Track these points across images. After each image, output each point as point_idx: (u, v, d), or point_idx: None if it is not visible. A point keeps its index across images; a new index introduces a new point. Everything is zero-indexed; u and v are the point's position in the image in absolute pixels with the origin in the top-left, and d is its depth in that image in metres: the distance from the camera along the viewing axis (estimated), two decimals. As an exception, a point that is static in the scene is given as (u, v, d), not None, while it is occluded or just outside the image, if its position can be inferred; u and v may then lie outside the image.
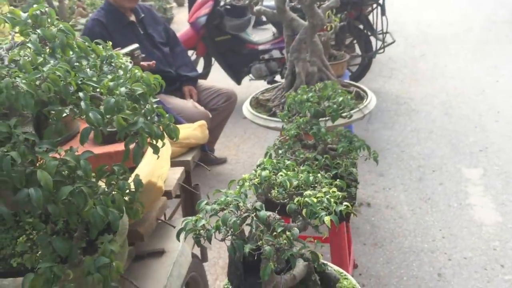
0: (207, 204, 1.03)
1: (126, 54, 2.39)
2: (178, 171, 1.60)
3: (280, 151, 1.72)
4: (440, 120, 3.62)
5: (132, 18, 2.93)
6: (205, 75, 4.42)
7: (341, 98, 1.76)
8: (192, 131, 1.74)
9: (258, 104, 2.63)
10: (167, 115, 1.06)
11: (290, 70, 2.55)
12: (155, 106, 1.03)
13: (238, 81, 4.31)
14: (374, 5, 4.12)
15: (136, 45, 2.40)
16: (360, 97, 2.59)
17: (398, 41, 5.31)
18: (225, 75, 4.33)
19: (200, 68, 4.41)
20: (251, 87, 4.58)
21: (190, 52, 4.37)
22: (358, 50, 4.26)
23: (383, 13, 4.07)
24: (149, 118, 0.97)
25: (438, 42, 5.56)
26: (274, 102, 2.54)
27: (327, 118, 1.79)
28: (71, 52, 0.97)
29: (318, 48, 2.60)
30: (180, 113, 2.70)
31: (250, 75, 4.22)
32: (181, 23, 7.56)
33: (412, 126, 3.57)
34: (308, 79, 2.53)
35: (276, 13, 2.61)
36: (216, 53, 4.20)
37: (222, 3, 4.03)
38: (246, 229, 0.96)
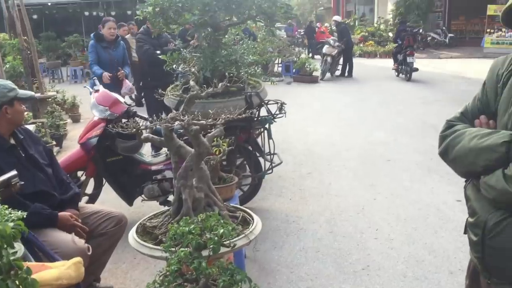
0: None
1: (2, 183, 2.29)
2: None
3: (160, 288, 1.68)
4: (326, 239, 3.80)
5: (12, 141, 2.85)
6: (95, 196, 4.29)
7: (222, 230, 1.81)
8: (65, 270, 1.65)
9: (144, 231, 2.58)
10: (29, 263, 1.01)
11: (177, 196, 2.57)
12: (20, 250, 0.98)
13: (130, 202, 4.23)
14: (261, 129, 4.43)
15: (13, 173, 2.31)
16: (246, 221, 2.65)
17: (287, 160, 5.66)
18: (116, 195, 4.24)
19: (90, 189, 4.29)
20: (144, 207, 4.50)
21: (79, 173, 4.28)
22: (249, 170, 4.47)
23: (269, 136, 4.37)
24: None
25: (323, 160, 6.00)
26: (161, 230, 2.52)
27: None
28: None
29: (205, 174, 2.68)
30: (55, 249, 2.52)
31: (143, 195, 4.18)
32: (75, 139, 7.40)
33: (300, 245, 3.70)
34: (195, 205, 2.56)
35: (163, 140, 2.69)
36: (107, 174, 4.14)
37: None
38: None
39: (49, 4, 22.06)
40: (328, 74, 14.09)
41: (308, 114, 8.96)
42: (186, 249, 1.80)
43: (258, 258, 3.54)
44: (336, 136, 7.26)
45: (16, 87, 2.78)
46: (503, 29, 18.82)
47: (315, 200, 4.68)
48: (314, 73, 13.90)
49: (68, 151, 6.88)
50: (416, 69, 12.85)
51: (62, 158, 4.04)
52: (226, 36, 4.57)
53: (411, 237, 3.81)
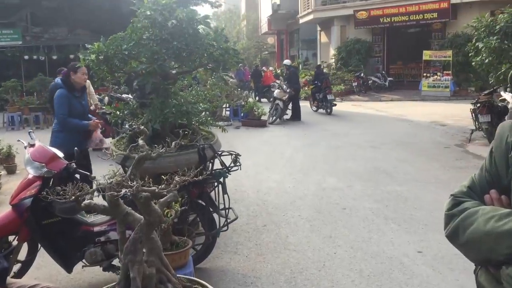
0: None
1: None
2: None
3: None
4: (288, 302, 3.52)
5: None
6: (28, 263, 3.82)
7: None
8: None
9: (85, 316, 2.22)
10: None
11: (124, 274, 2.24)
12: None
13: (69, 269, 3.76)
14: (216, 183, 4.16)
15: None
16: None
17: (241, 211, 5.39)
18: (53, 261, 3.78)
19: (22, 255, 3.81)
20: (85, 273, 4.06)
21: (10, 238, 3.80)
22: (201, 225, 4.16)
23: (224, 191, 4.10)
24: None
25: (278, 210, 5.77)
26: (105, 315, 2.17)
27: None
28: None
29: (156, 245, 2.38)
30: None
31: (84, 260, 3.74)
32: (9, 193, 6.78)
33: (261, 312, 3.39)
34: (145, 283, 2.24)
35: (108, 208, 2.37)
36: (42, 238, 3.68)
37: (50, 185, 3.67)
38: None
39: (-14, 47, 21.11)
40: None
41: (259, 160, 8.78)
42: None
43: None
44: (288, 183, 7.09)
45: None
46: (438, 73, 19.82)
47: (273, 256, 4.41)
48: (263, 117, 13.89)
49: (2, 206, 6.28)
50: (335, 104, 15.86)
51: (-10, 222, 3.56)
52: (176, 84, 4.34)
53: (378, 295, 3.60)
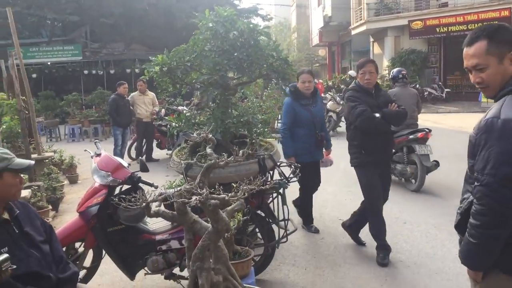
0: None
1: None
2: None
3: None
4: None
5: (6, 216, 2.54)
6: (93, 270, 3.92)
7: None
8: None
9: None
10: None
11: (192, 281, 2.25)
12: None
13: (132, 276, 3.83)
14: (275, 194, 4.13)
15: (4, 256, 2.02)
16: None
17: (298, 223, 5.32)
18: (116, 267, 3.86)
19: (87, 262, 3.92)
20: (147, 280, 4.12)
21: (77, 244, 3.92)
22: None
23: (283, 202, 4.06)
24: None
25: (335, 223, 5.66)
26: (174, 322, 2.17)
27: None
28: None
29: (223, 254, 2.38)
30: None
31: (146, 268, 3.80)
32: (72, 202, 7.08)
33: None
34: (213, 291, 2.23)
35: (176, 215, 2.39)
36: (107, 245, 3.78)
37: (117, 192, 3.77)
38: None
39: (49, 63, 22.27)
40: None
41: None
42: None
43: None
44: (345, 195, 6.96)
45: (9, 156, 2.49)
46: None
47: (333, 270, 4.31)
48: (315, 129, 13.76)
49: (65, 215, 6.54)
50: None
51: (59, 228, 3.69)
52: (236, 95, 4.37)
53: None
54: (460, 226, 2.12)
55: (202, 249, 2.22)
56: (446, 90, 22.23)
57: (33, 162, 2.76)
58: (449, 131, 13.81)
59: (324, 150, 5.61)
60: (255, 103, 5.64)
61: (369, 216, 4.59)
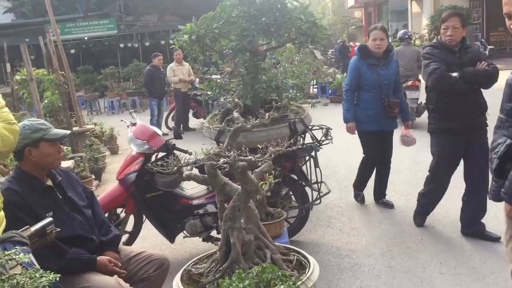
0: None
1: (37, 231, 2.11)
2: None
3: None
4: (385, 275, 3.46)
5: (49, 183, 2.70)
6: (135, 234, 4.11)
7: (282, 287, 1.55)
8: None
9: (190, 279, 2.36)
10: None
11: (224, 240, 2.34)
12: None
13: (171, 239, 4.01)
14: (307, 157, 4.16)
15: (49, 220, 2.15)
16: (302, 265, 2.39)
17: (332, 186, 5.33)
18: (157, 232, 4.04)
19: (129, 227, 4.11)
20: (186, 243, 4.29)
21: (118, 210, 4.11)
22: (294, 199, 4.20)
23: (316, 164, 4.10)
24: None
25: (370, 185, 5.64)
26: (208, 278, 2.28)
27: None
28: None
29: (253, 214, 2.45)
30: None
31: (184, 231, 3.96)
32: (114, 172, 7.33)
33: (357, 284, 3.38)
34: (244, 249, 2.32)
35: (207, 178, 2.48)
36: (147, 210, 3.94)
37: (153, 160, 3.91)
38: None
39: (86, 38, 22.69)
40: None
41: (348, 136, 8.57)
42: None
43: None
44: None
45: (45, 127, 2.61)
46: (547, 38, 18.08)
47: (368, 230, 4.35)
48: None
49: (107, 184, 6.81)
50: None
51: (100, 195, 3.88)
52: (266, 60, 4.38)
53: (480, 271, 3.42)
54: (498, 170, 2.09)
55: (232, 209, 2.30)
56: (489, 47, 21.28)
57: (68, 132, 2.90)
58: (492, 89, 13.31)
59: (401, 122, 5.08)
60: (288, 68, 5.60)
61: (426, 183, 4.28)
